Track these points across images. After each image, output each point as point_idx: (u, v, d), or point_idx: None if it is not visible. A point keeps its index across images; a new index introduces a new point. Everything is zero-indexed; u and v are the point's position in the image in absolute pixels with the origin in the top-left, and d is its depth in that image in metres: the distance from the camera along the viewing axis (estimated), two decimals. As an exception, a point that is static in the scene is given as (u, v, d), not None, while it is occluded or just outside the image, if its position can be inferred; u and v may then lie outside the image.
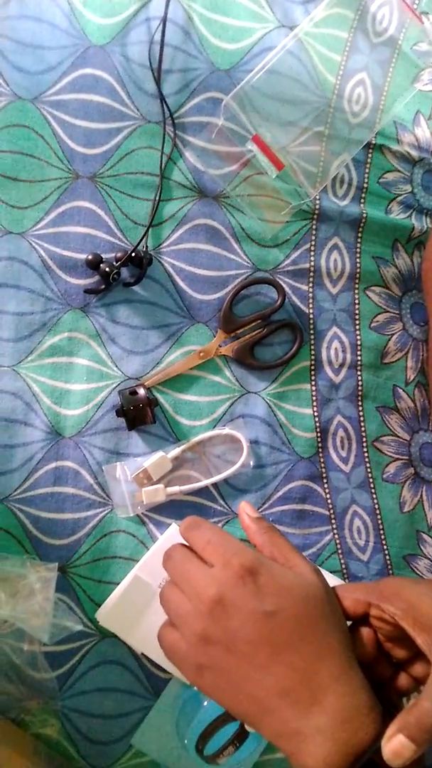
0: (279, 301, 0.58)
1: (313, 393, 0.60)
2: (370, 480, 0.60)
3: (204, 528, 0.44)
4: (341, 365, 0.60)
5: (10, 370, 0.55)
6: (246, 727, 0.52)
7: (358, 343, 0.60)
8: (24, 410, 0.54)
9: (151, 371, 0.57)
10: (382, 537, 0.60)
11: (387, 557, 0.60)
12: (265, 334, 0.58)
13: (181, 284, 0.57)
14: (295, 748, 0.37)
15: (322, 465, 0.59)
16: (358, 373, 0.60)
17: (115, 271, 0.54)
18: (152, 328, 0.57)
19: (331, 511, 0.59)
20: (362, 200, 0.60)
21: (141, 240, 0.56)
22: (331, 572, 0.58)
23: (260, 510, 0.58)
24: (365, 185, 0.60)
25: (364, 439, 0.60)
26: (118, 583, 0.54)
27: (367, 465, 0.60)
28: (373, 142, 0.60)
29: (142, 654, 0.54)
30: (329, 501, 0.59)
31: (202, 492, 0.57)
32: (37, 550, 0.54)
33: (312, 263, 0.60)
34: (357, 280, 0.60)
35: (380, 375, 0.61)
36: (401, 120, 0.61)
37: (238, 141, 0.58)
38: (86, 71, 0.56)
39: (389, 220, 0.60)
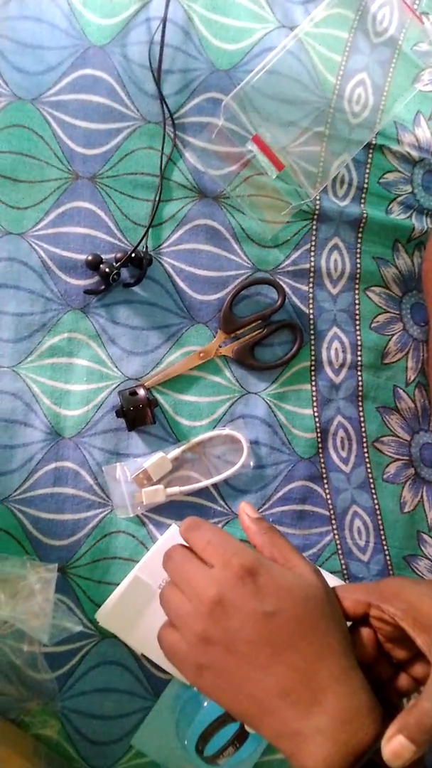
0: (279, 302, 0.58)
1: (314, 393, 0.60)
2: (371, 480, 0.60)
3: (204, 528, 0.43)
4: (341, 365, 0.60)
5: (10, 370, 0.55)
6: (246, 727, 0.52)
7: (359, 343, 0.60)
8: (24, 411, 0.54)
9: (151, 372, 0.57)
10: (383, 537, 0.60)
11: (387, 558, 0.60)
12: (266, 335, 0.58)
13: (181, 285, 0.57)
14: (295, 749, 0.37)
15: (323, 465, 0.59)
16: (359, 373, 0.60)
17: (115, 271, 0.54)
18: (152, 329, 0.57)
19: (332, 512, 0.59)
20: (362, 200, 0.60)
21: (141, 240, 0.56)
22: (331, 573, 0.58)
23: (260, 510, 0.58)
24: (365, 185, 0.60)
25: (365, 440, 0.60)
26: (117, 584, 0.54)
27: (368, 465, 0.60)
28: (374, 142, 0.60)
29: (142, 654, 0.54)
30: (329, 501, 0.59)
31: (202, 492, 0.57)
32: (37, 550, 0.54)
33: (312, 263, 0.60)
34: (357, 281, 0.60)
35: (380, 375, 0.61)
36: (401, 120, 0.61)
37: (238, 141, 0.58)
38: (86, 72, 0.56)
39: (389, 221, 0.60)
